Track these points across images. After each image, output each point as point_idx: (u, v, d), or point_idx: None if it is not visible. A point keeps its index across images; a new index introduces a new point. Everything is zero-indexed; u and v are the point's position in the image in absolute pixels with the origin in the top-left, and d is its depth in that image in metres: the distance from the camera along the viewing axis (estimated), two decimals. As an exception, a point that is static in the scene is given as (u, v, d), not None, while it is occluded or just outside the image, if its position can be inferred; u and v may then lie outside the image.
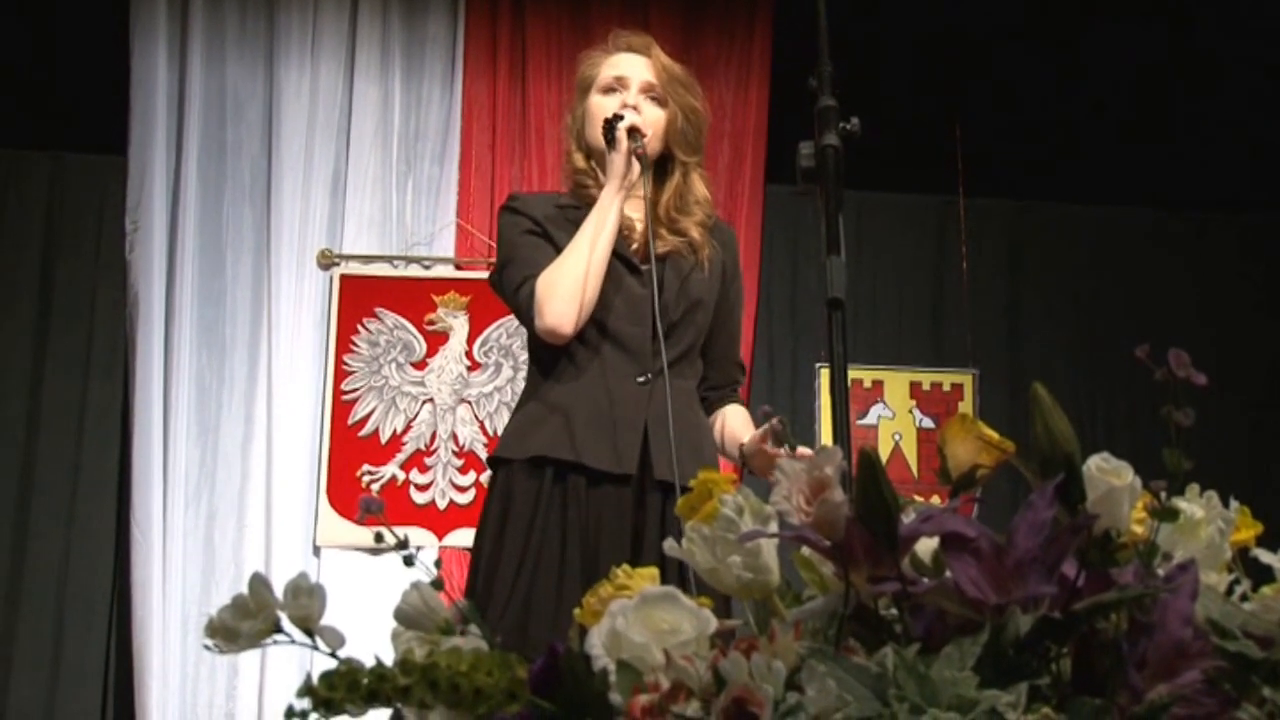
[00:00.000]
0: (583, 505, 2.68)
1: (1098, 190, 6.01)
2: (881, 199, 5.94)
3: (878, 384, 5.80)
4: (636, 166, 2.76)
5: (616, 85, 2.89)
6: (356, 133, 5.65)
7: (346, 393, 5.44)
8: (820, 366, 5.73)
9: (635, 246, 2.82)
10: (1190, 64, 5.83)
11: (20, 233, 5.64)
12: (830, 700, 1.02)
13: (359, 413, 5.43)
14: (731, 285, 2.97)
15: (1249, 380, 5.87)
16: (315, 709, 1.06)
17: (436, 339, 5.46)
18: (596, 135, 2.84)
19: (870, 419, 5.76)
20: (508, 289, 2.83)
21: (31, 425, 5.46)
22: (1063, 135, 5.87)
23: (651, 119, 2.85)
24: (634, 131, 2.76)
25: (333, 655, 1.16)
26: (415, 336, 5.50)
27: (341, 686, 1.05)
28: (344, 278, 5.53)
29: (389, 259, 5.55)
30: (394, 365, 5.48)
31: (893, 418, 5.77)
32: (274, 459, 5.34)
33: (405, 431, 5.39)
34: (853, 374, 5.62)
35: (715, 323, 2.92)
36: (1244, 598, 1.27)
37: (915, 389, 5.82)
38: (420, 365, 5.48)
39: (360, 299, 5.51)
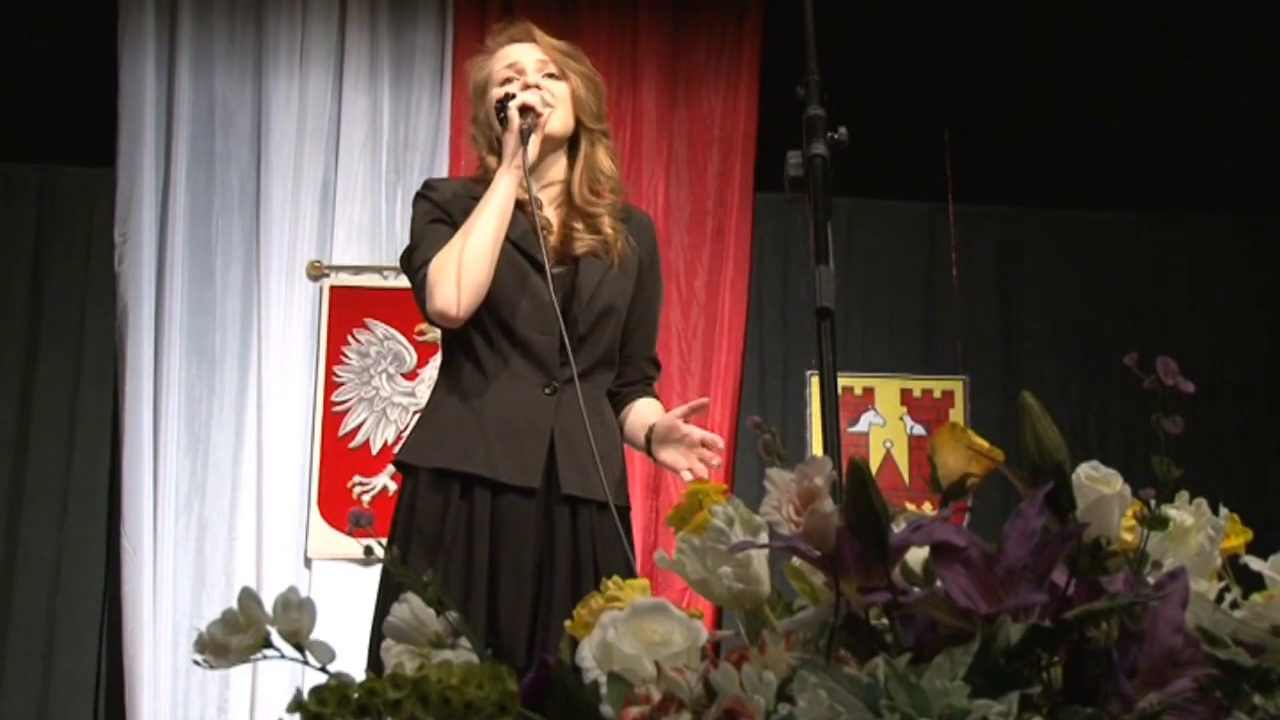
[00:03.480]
0: (487, 519, 2.66)
1: (1088, 195, 6.02)
2: (871, 206, 5.95)
3: (869, 391, 5.80)
4: (534, 144, 2.73)
5: (512, 74, 2.86)
6: (346, 142, 5.64)
7: (337, 404, 5.43)
8: (811, 374, 5.74)
9: (548, 249, 2.77)
10: (1179, 67, 5.84)
11: (10, 245, 5.63)
12: (822, 711, 1.02)
13: (350, 424, 5.42)
14: (648, 279, 2.94)
15: (1243, 385, 5.88)
16: (305, 723, 1.06)
17: (427, 349, 5.45)
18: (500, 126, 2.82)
19: (861, 426, 5.76)
20: (410, 274, 2.83)
21: (21, 436, 5.45)
22: (1052, 140, 5.87)
23: (558, 95, 2.83)
24: (526, 110, 2.74)
25: (323, 670, 1.15)
26: (406, 347, 5.50)
27: (332, 701, 1.05)
28: (334, 288, 5.52)
29: (379, 269, 5.55)
30: (384, 376, 5.47)
31: (884, 425, 5.78)
32: (265, 470, 5.32)
33: (396, 443, 5.38)
34: (844, 381, 5.62)
35: (630, 319, 2.89)
36: (1234, 605, 1.27)
37: (906, 396, 5.82)
38: (411, 376, 5.47)
39: (350, 310, 5.50)
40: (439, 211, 2.83)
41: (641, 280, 2.92)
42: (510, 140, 2.74)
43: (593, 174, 2.89)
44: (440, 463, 2.71)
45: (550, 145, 2.84)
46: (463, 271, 2.69)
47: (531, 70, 2.86)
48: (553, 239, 2.81)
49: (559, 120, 2.82)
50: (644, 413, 2.88)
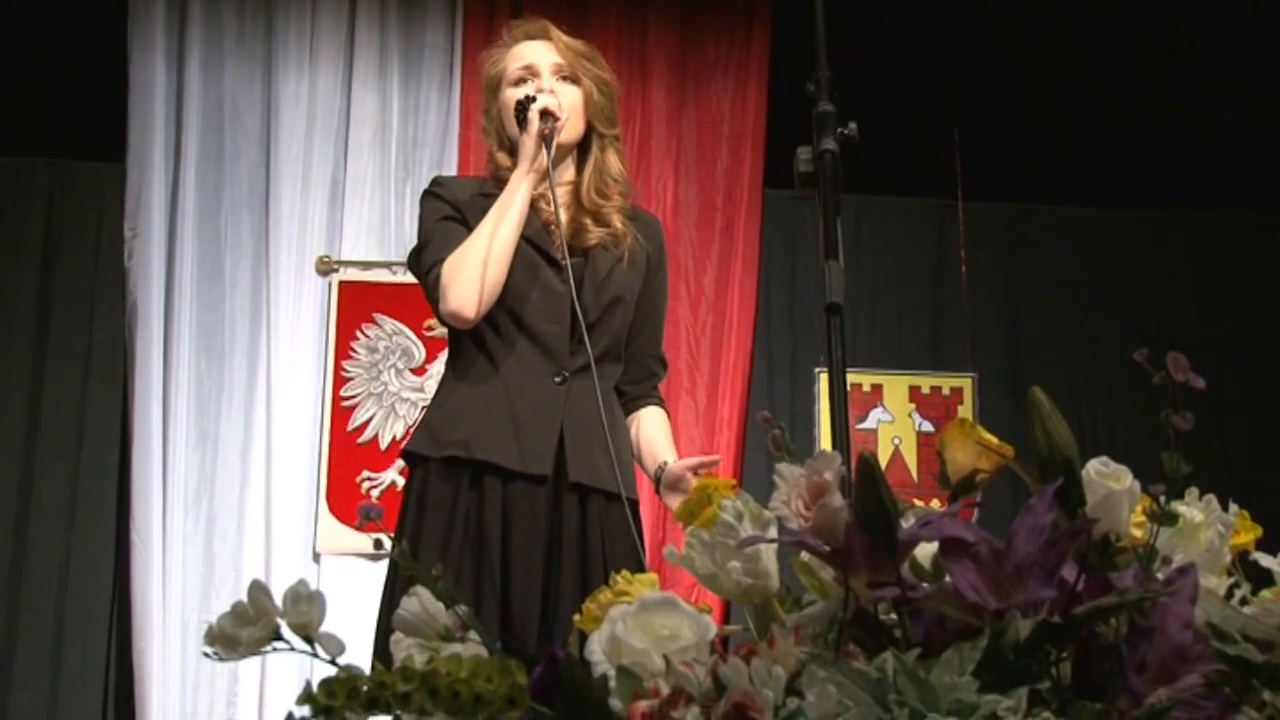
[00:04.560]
0: (498, 507, 2.67)
1: (1097, 193, 6.01)
2: (881, 202, 5.94)
3: (877, 388, 5.80)
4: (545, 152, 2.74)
5: (526, 75, 2.86)
6: (355, 139, 5.64)
7: (346, 399, 5.44)
8: (819, 371, 5.73)
9: (559, 241, 2.79)
10: (1188, 63, 5.83)
11: (19, 240, 5.64)
12: (830, 705, 1.02)
13: (358, 419, 5.42)
14: (655, 276, 2.95)
15: (1251, 382, 5.87)
16: (315, 716, 1.06)
17: (436, 345, 5.45)
18: (514, 127, 2.81)
19: (870, 423, 5.75)
20: (420, 272, 2.83)
21: (31, 432, 5.46)
22: (1062, 138, 5.87)
23: (569, 99, 2.83)
24: (546, 114, 2.74)
25: (332, 662, 1.16)
26: (414, 342, 5.50)
27: (341, 694, 1.05)
28: (343, 284, 5.53)
29: (388, 265, 5.55)
30: (393, 371, 5.48)
31: (892, 422, 5.77)
32: (273, 465, 5.33)
33: (405, 438, 5.37)
34: (852, 378, 5.62)
35: (637, 315, 2.90)
36: (1243, 601, 1.27)
37: (915, 393, 5.82)
38: (419, 371, 5.48)
39: (359, 305, 5.51)
40: (450, 209, 2.84)
41: (649, 277, 2.92)
42: (529, 143, 2.74)
43: (602, 177, 2.89)
44: (451, 451, 2.71)
45: (561, 150, 2.84)
46: (478, 274, 2.69)
47: (546, 73, 2.86)
48: (561, 232, 2.82)
49: (571, 129, 2.83)
50: (653, 437, 2.88)
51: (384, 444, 5.41)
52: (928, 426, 5.74)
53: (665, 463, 2.80)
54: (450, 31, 5.77)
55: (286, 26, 5.70)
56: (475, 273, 2.69)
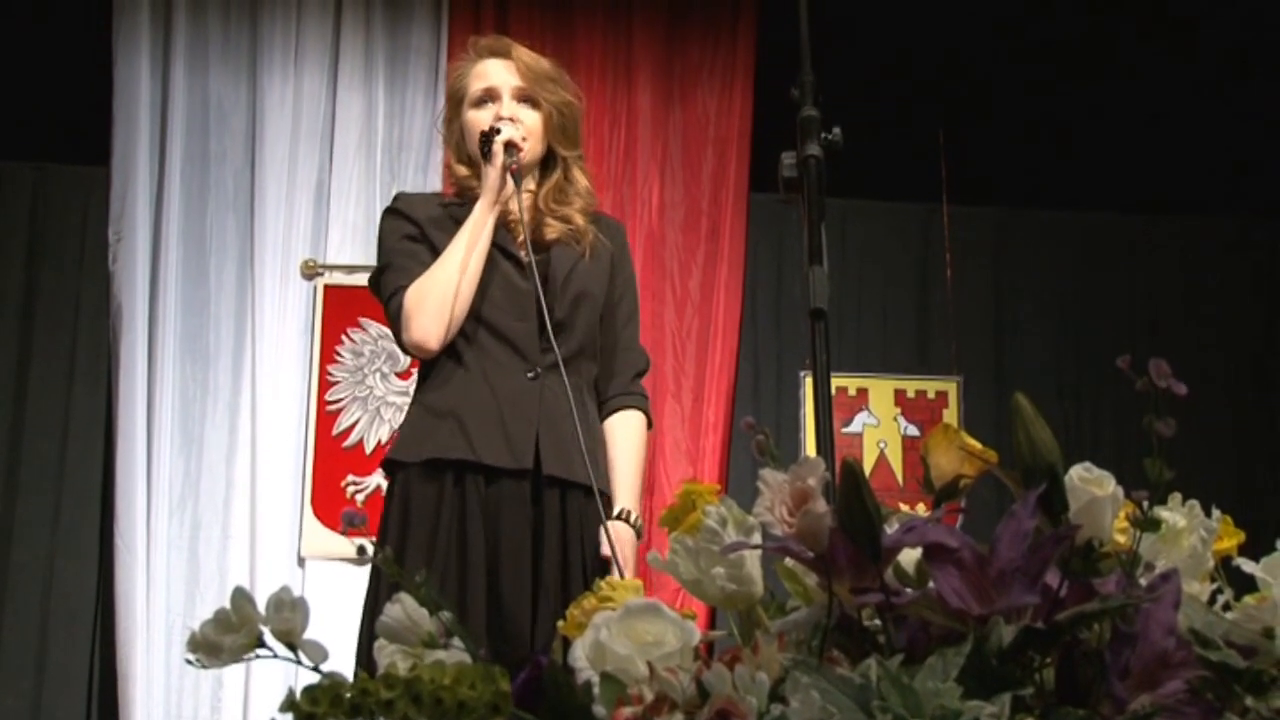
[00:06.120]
0: (482, 504, 2.69)
1: (1082, 196, 6.02)
2: (866, 206, 5.94)
3: (862, 392, 5.80)
4: (511, 183, 2.77)
5: (487, 97, 2.90)
6: (340, 142, 5.63)
7: (331, 403, 5.43)
8: (805, 375, 5.73)
9: (520, 239, 2.82)
10: (1173, 68, 5.84)
11: (3, 243, 5.61)
12: (814, 711, 1.02)
13: (343, 423, 5.41)
14: (620, 273, 2.98)
15: (1235, 386, 5.88)
16: (298, 723, 1.05)
17: (421, 349, 5.44)
18: (476, 150, 2.85)
19: (855, 427, 5.76)
20: (382, 296, 2.85)
21: (15, 436, 5.44)
22: (1047, 141, 5.87)
23: (529, 124, 2.87)
24: (510, 146, 2.77)
25: (316, 669, 1.15)
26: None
27: (324, 701, 1.05)
28: (328, 288, 5.52)
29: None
30: (378, 375, 5.47)
31: (878, 425, 5.77)
32: (258, 470, 5.32)
33: (389, 442, 5.37)
34: (837, 382, 5.62)
35: (610, 311, 2.93)
36: (1226, 607, 1.27)
37: (900, 396, 5.82)
38: (405, 375, 5.46)
39: (344, 309, 5.50)
40: (411, 227, 2.87)
41: (614, 274, 2.95)
42: (492, 175, 2.78)
43: (564, 192, 2.93)
44: (431, 453, 2.72)
45: (521, 170, 2.86)
46: (441, 306, 2.73)
47: (507, 98, 2.89)
48: (522, 232, 2.84)
49: (530, 152, 2.87)
50: (618, 458, 2.86)
51: (369, 448, 5.40)
52: (913, 430, 5.75)
53: (624, 511, 2.79)
54: (435, 36, 5.76)
55: (272, 30, 5.69)
56: (437, 304, 2.72)
